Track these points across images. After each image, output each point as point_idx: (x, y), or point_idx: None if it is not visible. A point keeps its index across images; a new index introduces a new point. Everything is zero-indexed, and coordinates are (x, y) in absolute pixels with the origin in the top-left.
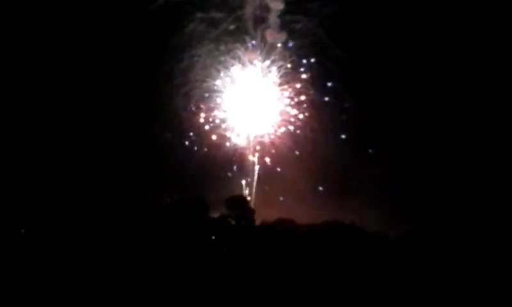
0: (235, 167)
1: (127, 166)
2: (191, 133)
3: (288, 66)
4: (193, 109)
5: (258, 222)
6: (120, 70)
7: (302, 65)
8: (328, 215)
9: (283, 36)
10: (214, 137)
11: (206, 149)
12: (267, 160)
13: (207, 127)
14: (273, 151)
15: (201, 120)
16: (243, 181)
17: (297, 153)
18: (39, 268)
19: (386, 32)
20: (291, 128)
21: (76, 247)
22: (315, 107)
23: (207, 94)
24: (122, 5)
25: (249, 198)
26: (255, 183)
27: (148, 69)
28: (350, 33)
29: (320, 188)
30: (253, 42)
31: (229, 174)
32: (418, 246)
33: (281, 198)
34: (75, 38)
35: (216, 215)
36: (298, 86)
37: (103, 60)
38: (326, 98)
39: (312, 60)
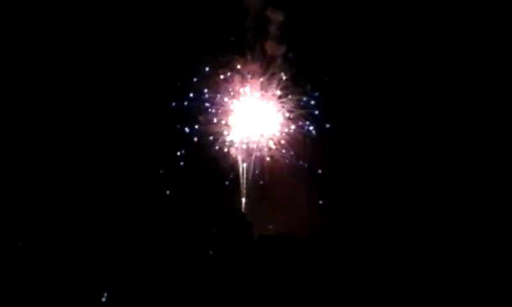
0: (233, 180)
1: (122, 177)
2: (189, 145)
3: (288, 78)
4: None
5: (255, 236)
6: (114, 80)
7: (302, 77)
8: (327, 230)
9: (283, 48)
10: (211, 149)
11: (203, 162)
12: (266, 173)
13: (205, 140)
14: (272, 164)
15: (200, 132)
16: (241, 195)
17: (296, 166)
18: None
19: (395, 44)
20: (290, 141)
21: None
22: (315, 120)
23: (205, 106)
24: (117, 17)
25: (244, 206)
26: (252, 197)
27: (143, 81)
28: (353, 45)
29: (320, 202)
30: (253, 54)
31: (227, 187)
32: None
33: (279, 212)
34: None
35: (213, 229)
36: (297, 98)
37: (92, 76)
38: (326, 111)
39: (312, 72)
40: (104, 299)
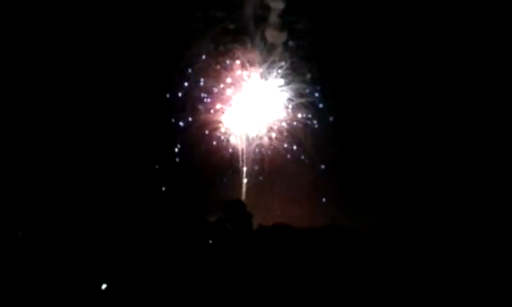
0: (232, 170)
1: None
2: (188, 135)
3: (289, 66)
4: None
5: (255, 226)
6: (113, 70)
7: (303, 66)
8: (326, 220)
9: (283, 36)
10: (211, 139)
11: (203, 152)
12: (267, 164)
13: (204, 129)
14: (273, 155)
15: (198, 122)
16: (241, 185)
17: (296, 156)
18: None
19: (395, 35)
20: (292, 131)
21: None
22: (315, 109)
23: (204, 95)
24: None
25: (244, 196)
26: (253, 187)
27: (143, 68)
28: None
29: (323, 199)
30: (253, 42)
31: (226, 177)
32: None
33: (278, 202)
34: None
35: (213, 219)
36: (298, 87)
37: (94, 60)
38: (327, 100)
39: (313, 61)
40: (103, 286)
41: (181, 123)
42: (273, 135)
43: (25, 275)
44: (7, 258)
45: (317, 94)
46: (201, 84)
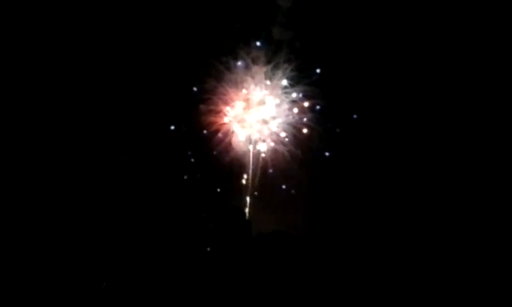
0: (233, 175)
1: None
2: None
3: (294, 68)
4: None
5: (253, 233)
6: (114, 70)
7: (309, 67)
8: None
9: (290, 34)
10: (212, 141)
11: (203, 155)
12: (269, 168)
13: (205, 131)
14: (274, 158)
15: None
16: (243, 191)
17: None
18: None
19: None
20: (294, 133)
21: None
22: (321, 112)
23: (207, 97)
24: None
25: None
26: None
27: (145, 68)
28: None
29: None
30: (258, 42)
31: (226, 182)
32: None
33: (278, 208)
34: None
35: (210, 225)
36: (303, 89)
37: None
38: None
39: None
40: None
41: (181, 128)
42: (276, 138)
43: (25, 275)
44: (6, 258)
45: (322, 97)
46: (204, 84)
